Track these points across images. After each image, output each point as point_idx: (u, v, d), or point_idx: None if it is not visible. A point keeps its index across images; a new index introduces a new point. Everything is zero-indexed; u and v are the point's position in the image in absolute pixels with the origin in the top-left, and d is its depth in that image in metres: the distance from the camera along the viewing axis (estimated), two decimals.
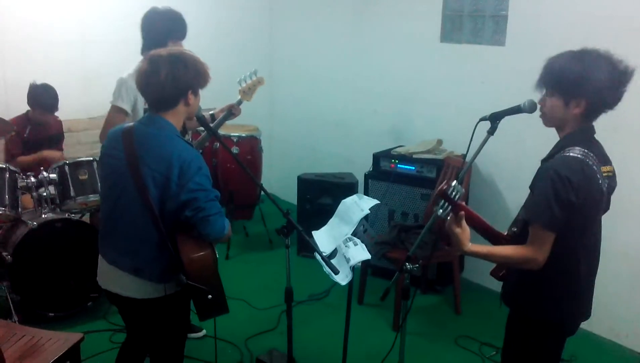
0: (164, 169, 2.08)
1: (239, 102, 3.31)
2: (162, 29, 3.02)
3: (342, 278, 2.37)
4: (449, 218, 1.98)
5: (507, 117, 2.15)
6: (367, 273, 4.04)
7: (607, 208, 2.05)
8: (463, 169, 2.40)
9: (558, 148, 1.97)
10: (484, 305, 4.01)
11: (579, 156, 1.88)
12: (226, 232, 2.20)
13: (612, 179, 1.99)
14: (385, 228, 4.09)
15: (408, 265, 2.35)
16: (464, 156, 3.75)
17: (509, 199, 4.05)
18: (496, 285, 4.15)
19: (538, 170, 1.98)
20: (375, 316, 3.83)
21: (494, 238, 2.09)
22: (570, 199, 1.84)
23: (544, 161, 2.03)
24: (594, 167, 1.90)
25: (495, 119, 2.15)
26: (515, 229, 2.07)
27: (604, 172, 1.93)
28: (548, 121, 2.02)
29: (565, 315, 2.04)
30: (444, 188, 1.96)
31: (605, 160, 1.97)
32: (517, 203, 3.89)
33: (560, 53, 1.98)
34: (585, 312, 2.09)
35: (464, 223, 1.98)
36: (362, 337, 3.50)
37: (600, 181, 1.91)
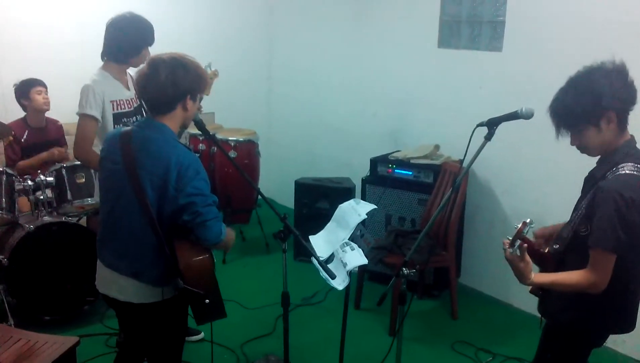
0: (162, 172, 2.08)
1: (200, 98, 3.28)
2: (139, 37, 3.01)
3: (339, 283, 2.37)
4: (507, 249, 1.94)
5: (504, 123, 2.16)
6: (364, 278, 4.04)
7: None
8: (460, 175, 2.41)
9: (608, 166, 1.94)
10: (481, 311, 4.01)
11: (635, 172, 1.86)
12: (223, 237, 2.19)
13: None
14: (382, 233, 4.09)
15: (405, 270, 2.34)
16: (462, 161, 3.75)
17: (505, 205, 4.06)
18: (493, 291, 4.14)
19: (595, 192, 1.90)
20: (371, 321, 3.83)
21: (539, 258, 2.06)
22: (635, 221, 1.83)
23: (590, 178, 2.00)
24: None
25: (492, 125, 2.15)
26: (558, 246, 2.04)
27: None
28: (593, 152, 2.00)
29: (608, 330, 2.05)
30: (521, 228, 1.91)
31: None
32: (514, 208, 3.97)
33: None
34: (629, 326, 2.06)
35: (527, 256, 1.94)
36: (359, 342, 3.50)
37: None
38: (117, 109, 3.03)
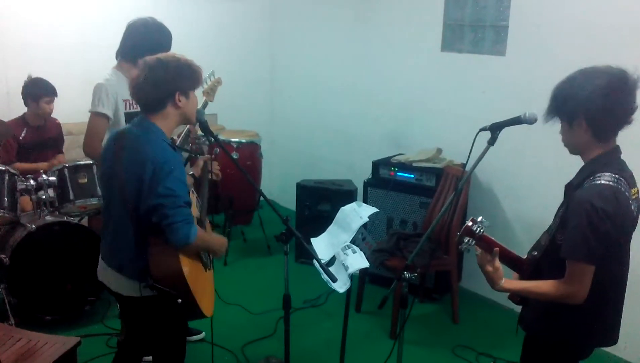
0: (140, 170, 2.11)
1: (204, 104, 3.26)
2: (156, 43, 2.99)
3: (340, 286, 2.38)
4: (478, 253, 1.96)
5: (507, 128, 2.15)
6: (365, 281, 4.03)
7: (633, 229, 1.97)
8: (463, 179, 2.41)
9: (586, 174, 1.90)
10: (482, 315, 4.01)
11: (611, 183, 1.81)
12: (191, 241, 2.11)
13: (639, 201, 1.91)
14: (384, 236, 4.09)
15: (406, 274, 2.34)
16: (464, 165, 3.75)
17: (508, 209, 4.05)
18: (494, 295, 4.12)
19: (569, 201, 1.89)
20: (372, 324, 3.82)
21: (513, 263, 2.05)
22: (607, 231, 1.78)
23: (569, 186, 1.97)
24: (626, 193, 1.83)
25: (495, 129, 2.15)
26: (536, 253, 2.02)
27: (633, 194, 1.87)
28: (569, 148, 1.97)
29: (588, 342, 2.01)
30: (470, 225, 1.94)
31: (632, 182, 1.90)
32: (516, 213, 3.97)
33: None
34: (610, 339, 2.03)
35: (497, 261, 1.93)
36: (360, 345, 3.49)
37: (633, 207, 1.85)
38: (129, 108, 3.05)
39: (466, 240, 1.94)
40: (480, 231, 1.94)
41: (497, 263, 1.94)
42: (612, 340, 2.04)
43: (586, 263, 1.82)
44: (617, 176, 1.83)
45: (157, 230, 2.15)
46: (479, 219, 1.96)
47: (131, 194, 2.14)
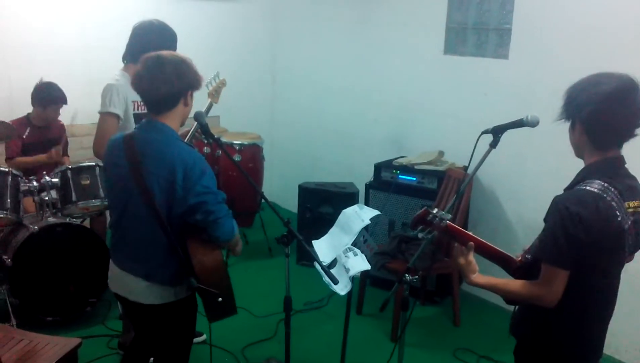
0: (168, 173, 2.09)
1: (209, 106, 3.25)
2: (162, 44, 2.98)
3: (341, 288, 2.38)
4: (456, 245, 1.97)
5: (509, 130, 2.15)
6: (366, 283, 4.03)
7: (635, 247, 1.89)
8: (465, 182, 2.41)
9: (578, 179, 1.85)
10: (483, 318, 4.00)
11: (595, 190, 1.75)
12: (235, 233, 2.21)
13: (636, 215, 1.83)
14: (386, 239, 4.09)
15: (408, 276, 2.34)
16: (466, 168, 3.75)
17: (509, 212, 4.05)
18: (496, 298, 4.14)
19: (552, 202, 1.86)
20: (373, 327, 3.82)
21: (502, 262, 2.02)
22: (579, 236, 1.72)
23: (566, 190, 1.93)
24: (613, 203, 1.75)
25: (497, 132, 2.15)
26: (529, 256, 1.99)
27: (630, 208, 1.80)
28: (573, 149, 1.93)
29: (571, 354, 1.95)
30: (422, 214, 1.96)
31: (632, 195, 1.82)
32: (518, 216, 3.97)
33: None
34: (593, 354, 1.97)
35: (470, 255, 1.94)
36: (361, 347, 3.49)
37: (619, 219, 1.76)
38: (138, 109, 3.06)
39: (419, 228, 1.97)
40: (439, 221, 1.95)
41: (471, 256, 1.95)
42: (596, 356, 1.98)
43: (556, 266, 1.78)
44: (606, 185, 1.76)
45: (192, 230, 2.16)
46: (434, 210, 1.96)
47: (161, 199, 2.09)
